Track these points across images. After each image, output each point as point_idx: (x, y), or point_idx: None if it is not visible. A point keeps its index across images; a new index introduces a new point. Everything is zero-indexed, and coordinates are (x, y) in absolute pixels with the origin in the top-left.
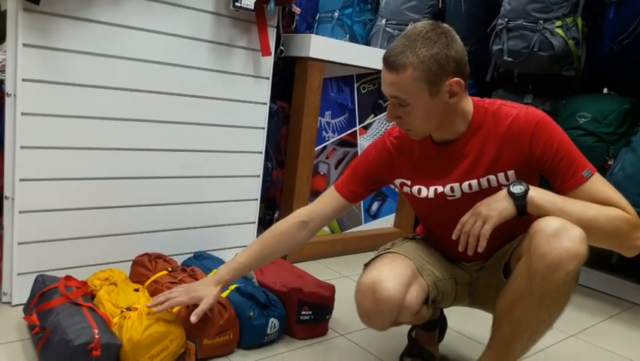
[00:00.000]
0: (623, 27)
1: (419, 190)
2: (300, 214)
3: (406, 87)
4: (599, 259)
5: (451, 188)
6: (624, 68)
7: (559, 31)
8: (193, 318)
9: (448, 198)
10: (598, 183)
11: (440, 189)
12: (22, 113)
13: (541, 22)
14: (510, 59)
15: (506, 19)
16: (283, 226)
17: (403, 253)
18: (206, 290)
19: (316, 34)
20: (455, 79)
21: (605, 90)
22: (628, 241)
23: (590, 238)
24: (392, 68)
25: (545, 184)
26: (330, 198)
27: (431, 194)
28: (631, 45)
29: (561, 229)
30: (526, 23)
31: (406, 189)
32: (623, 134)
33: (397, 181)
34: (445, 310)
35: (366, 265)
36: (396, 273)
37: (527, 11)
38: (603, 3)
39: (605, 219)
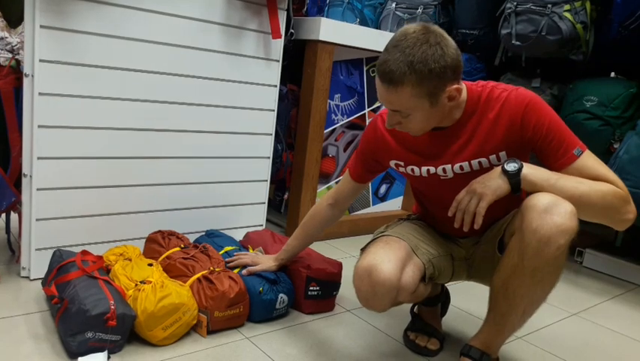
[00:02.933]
0: (631, 11)
1: (412, 170)
2: (327, 197)
3: (406, 103)
4: (603, 241)
5: (443, 169)
6: (632, 52)
7: (567, 15)
8: (244, 272)
9: (441, 178)
10: (589, 160)
11: (432, 169)
12: (40, 93)
13: (549, 6)
14: (518, 43)
15: (515, 3)
16: (317, 209)
17: (396, 235)
18: (266, 260)
19: (326, 17)
20: (454, 86)
21: (613, 74)
22: (619, 215)
23: (582, 213)
24: (390, 84)
25: (535, 162)
26: (345, 181)
27: (424, 173)
28: (639, 29)
29: (552, 204)
30: (534, 7)
31: (401, 169)
32: (629, 118)
33: (392, 162)
34: (449, 288)
35: (363, 250)
36: (391, 255)
37: None
38: None
39: (597, 194)
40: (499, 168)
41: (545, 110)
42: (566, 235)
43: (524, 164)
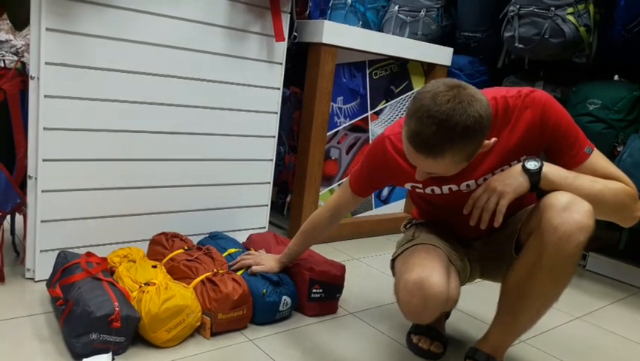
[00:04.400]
0: (634, 14)
1: (432, 190)
2: (327, 208)
3: (445, 168)
4: (607, 244)
5: (467, 185)
6: (635, 55)
7: (570, 17)
8: (249, 272)
9: (464, 192)
10: (599, 159)
11: (455, 187)
12: (45, 96)
13: (552, 8)
14: (521, 46)
15: (518, 6)
16: (317, 218)
17: (432, 243)
18: (269, 261)
19: (329, 20)
20: (486, 142)
21: (616, 77)
22: (629, 212)
23: (596, 211)
24: (428, 155)
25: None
26: (345, 193)
27: (445, 191)
28: None
29: (571, 203)
30: (537, 10)
31: (418, 190)
32: (633, 121)
33: (407, 185)
34: None
35: (395, 260)
36: (438, 267)
37: None
38: None
39: (610, 192)
40: (519, 166)
41: (560, 111)
42: (584, 233)
43: (544, 162)
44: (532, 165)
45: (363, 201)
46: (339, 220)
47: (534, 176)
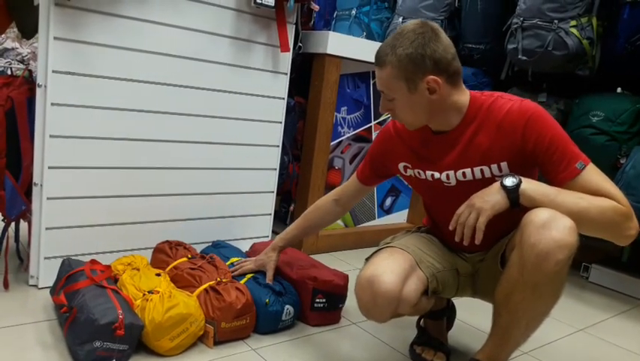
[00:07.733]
0: (637, 27)
1: (418, 173)
2: (332, 193)
3: (387, 83)
4: (609, 256)
5: (447, 175)
6: (638, 67)
7: (573, 30)
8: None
9: (445, 184)
10: (591, 175)
11: (437, 175)
12: (52, 104)
13: (556, 21)
14: (525, 58)
15: (521, 19)
16: (321, 202)
17: (401, 246)
18: (267, 258)
19: (334, 31)
20: (431, 77)
21: (619, 89)
22: (620, 231)
23: (583, 229)
24: (377, 64)
25: (542, 177)
26: (352, 181)
27: (429, 177)
28: None
29: (550, 220)
30: (541, 23)
31: (408, 172)
32: (636, 133)
33: (400, 165)
34: (454, 302)
35: (368, 260)
36: (394, 267)
37: (542, 11)
38: (618, 3)
39: (597, 210)
40: (497, 184)
41: (548, 123)
42: (564, 250)
43: (523, 179)
44: (509, 181)
45: (366, 192)
46: (342, 209)
47: (512, 193)
